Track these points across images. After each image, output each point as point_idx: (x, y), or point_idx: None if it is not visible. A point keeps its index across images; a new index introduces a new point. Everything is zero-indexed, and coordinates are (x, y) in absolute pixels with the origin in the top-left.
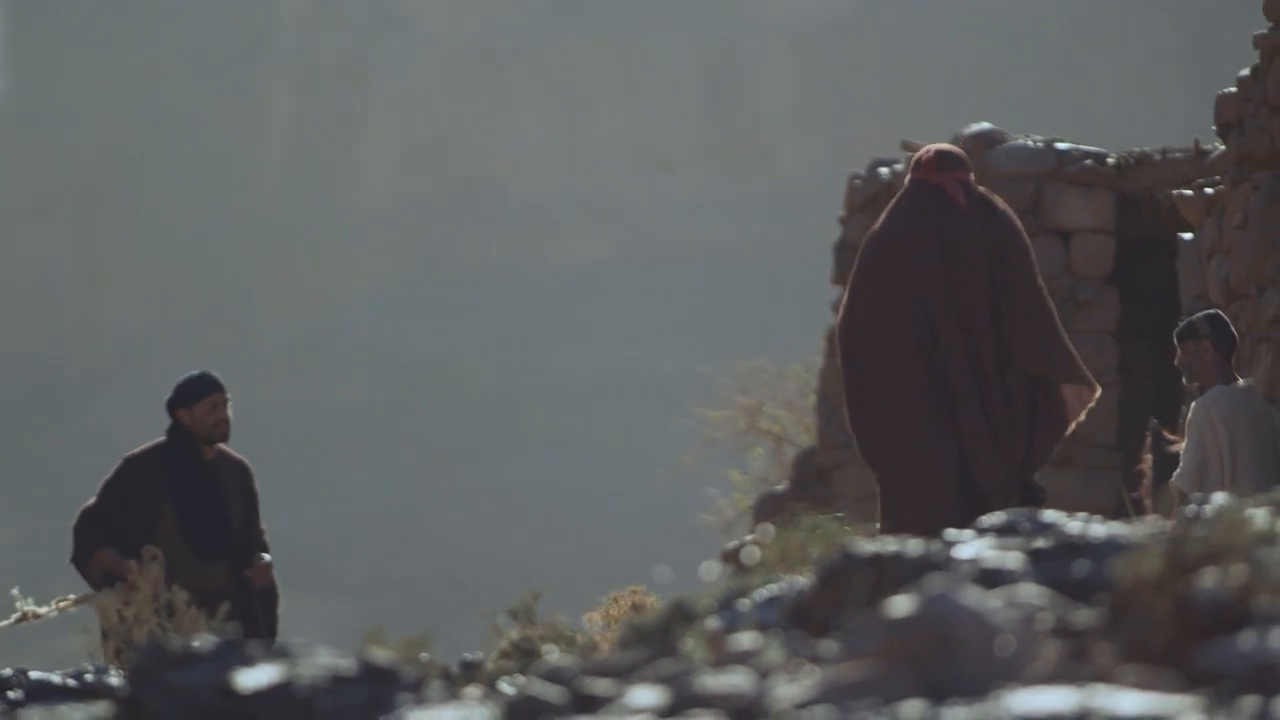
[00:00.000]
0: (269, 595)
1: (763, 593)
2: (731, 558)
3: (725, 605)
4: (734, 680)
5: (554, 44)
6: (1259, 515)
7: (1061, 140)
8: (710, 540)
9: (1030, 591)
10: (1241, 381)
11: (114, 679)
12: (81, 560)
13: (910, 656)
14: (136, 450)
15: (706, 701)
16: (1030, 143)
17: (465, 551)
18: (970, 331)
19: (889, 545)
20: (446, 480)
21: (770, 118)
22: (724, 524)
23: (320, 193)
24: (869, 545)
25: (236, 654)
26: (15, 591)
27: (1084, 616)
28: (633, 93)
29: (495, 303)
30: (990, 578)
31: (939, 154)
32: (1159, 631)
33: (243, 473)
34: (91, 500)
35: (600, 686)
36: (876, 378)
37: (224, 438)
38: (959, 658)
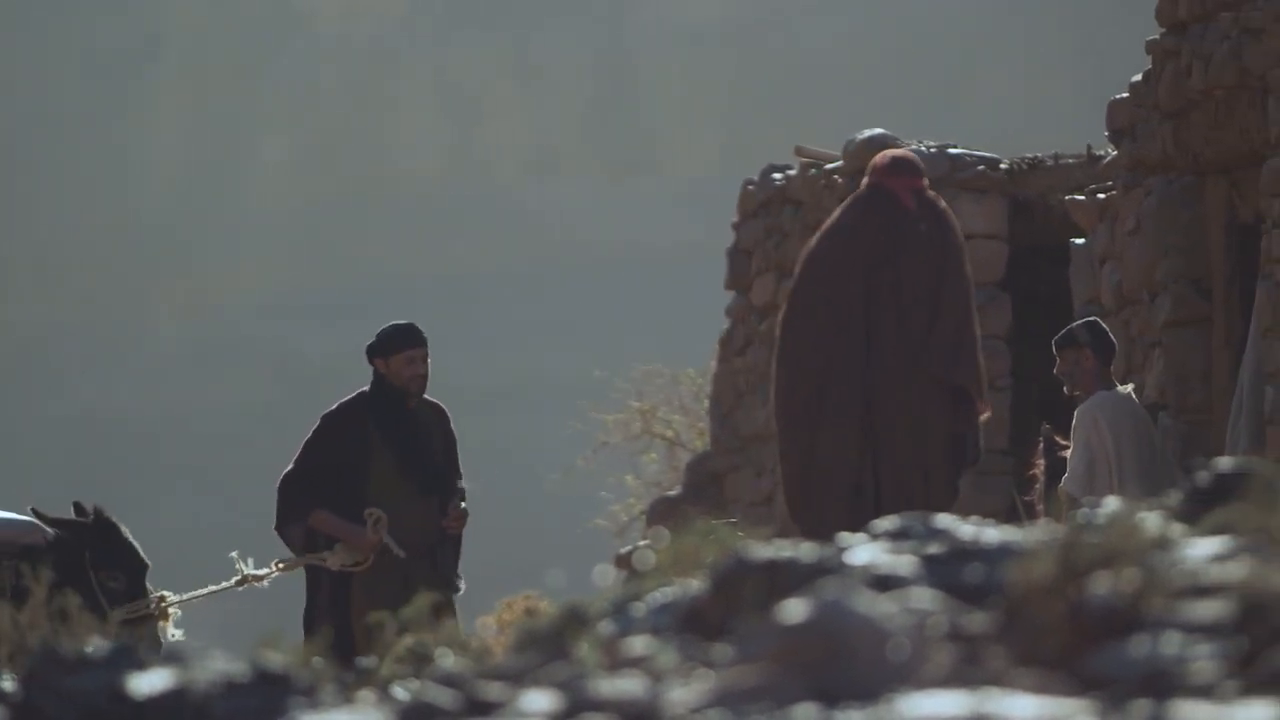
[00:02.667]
0: (456, 543)
1: (656, 597)
2: (625, 562)
3: (619, 610)
4: (627, 685)
5: (447, 47)
6: (1151, 520)
7: (954, 145)
8: (604, 545)
9: (923, 596)
10: (1121, 388)
11: (6, 683)
12: (287, 525)
13: (803, 661)
14: (333, 406)
15: (600, 706)
16: (923, 148)
17: None
18: (906, 337)
19: (782, 550)
20: None
21: (663, 122)
22: (618, 528)
23: (214, 194)
24: (762, 550)
25: (129, 659)
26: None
27: (977, 621)
28: (525, 96)
29: (388, 305)
30: (883, 583)
31: (894, 160)
32: (1052, 636)
33: (441, 417)
34: (291, 465)
35: (493, 691)
36: (807, 374)
37: (419, 393)
38: (852, 662)
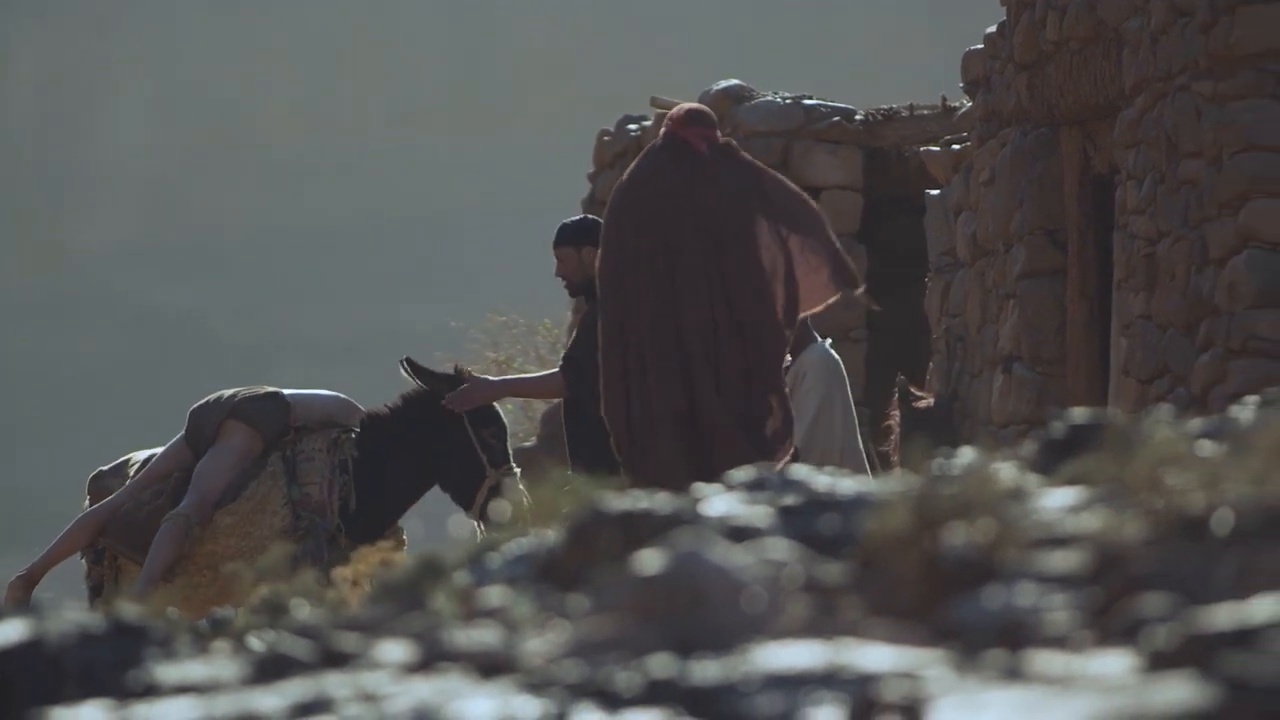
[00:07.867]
0: None
1: (513, 548)
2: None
3: (475, 561)
4: (483, 635)
5: None
6: (1006, 470)
7: (809, 97)
8: None
9: (778, 547)
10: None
11: None
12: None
13: (659, 612)
14: None
15: (456, 656)
16: (778, 99)
17: None
18: (715, 278)
19: (638, 501)
20: None
21: (519, 74)
22: None
23: (69, 146)
24: (618, 501)
25: None
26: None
27: (832, 572)
28: (383, 47)
29: (244, 257)
30: (739, 534)
31: (688, 111)
32: (907, 587)
33: None
34: None
35: (349, 642)
36: (625, 326)
37: (573, 293)
38: (708, 613)
